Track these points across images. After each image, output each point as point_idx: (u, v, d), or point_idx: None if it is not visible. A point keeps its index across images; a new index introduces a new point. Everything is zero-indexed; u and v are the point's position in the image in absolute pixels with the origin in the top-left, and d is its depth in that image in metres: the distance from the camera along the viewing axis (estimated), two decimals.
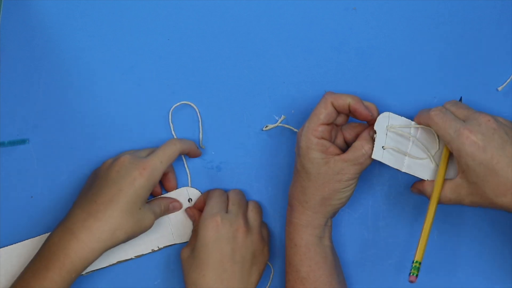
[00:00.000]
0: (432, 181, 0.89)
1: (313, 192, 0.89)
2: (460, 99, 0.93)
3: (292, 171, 0.96)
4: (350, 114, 0.91)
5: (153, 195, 0.96)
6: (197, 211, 0.95)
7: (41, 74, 0.96)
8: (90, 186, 0.91)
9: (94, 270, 0.95)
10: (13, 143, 0.95)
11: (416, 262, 0.86)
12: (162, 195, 0.96)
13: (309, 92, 0.96)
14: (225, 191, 0.95)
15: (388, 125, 0.90)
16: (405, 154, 0.90)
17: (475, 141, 0.84)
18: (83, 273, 0.94)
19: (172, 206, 0.95)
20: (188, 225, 0.96)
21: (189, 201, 0.96)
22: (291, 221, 0.91)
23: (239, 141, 0.97)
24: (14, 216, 0.95)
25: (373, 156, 0.89)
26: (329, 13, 0.96)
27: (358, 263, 0.97)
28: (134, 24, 0.96)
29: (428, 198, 0.89)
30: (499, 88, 0.96)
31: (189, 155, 0.96)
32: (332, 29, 0.96)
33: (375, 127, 0.90)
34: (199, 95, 0.96)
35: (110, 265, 0.95)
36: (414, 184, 0.92)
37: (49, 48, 0.96)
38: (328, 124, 0.89)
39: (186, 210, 0.95)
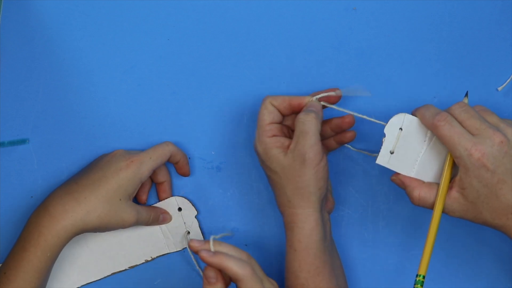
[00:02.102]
0: (430, 185, 0.87)
1: (289, 188, 0.89)
2: (466, 94, 0.89)
3: None
4: (294, 111, 0.91)
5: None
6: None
7: (41, 74, 0.96)
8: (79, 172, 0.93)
9: (90, 283, 0.95)
10: (13, 143, 0.95)
11: (420, 276, 0.85)
12: (152, 205, 0.96)
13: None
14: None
15: (402, 127, 0.87)
16: (416, 159, 0.87)
17: (485, 164, 0.82)
18: (76, 286, 0.95)
19: (163, 218, 0.95)
20: (180, 233, 0.96)
21: (179, 210, 0.96)
22: (288, 227, 0.90)
23: (239, 141, 0.97)
24: (14, 216, 0.95)
25: (378, 162, 0.87)
26: (329, 13, 0.96)
27: (358, 263, 0.97)
28: (134, 24, 0.96)
29: (407, 194, 0.87)
30: (499, 88, 0.96)
31: (178, 165, 0.95)
32: (332, 29, 0.96)
33: (385, 130, 0.87)
34: (199, 95, 0.96)
35: (105, 277, 0.95)
36: (400, 176, 0.88)
37: (49, 48, 0.96)
38: (275, 123, 0.90)
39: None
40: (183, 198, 0.96)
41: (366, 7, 0.96)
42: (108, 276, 0.96)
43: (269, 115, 0.90)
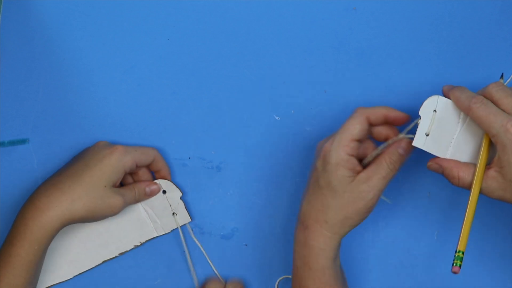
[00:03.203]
0: (468, 164, 0.85)
1: (336, 212, 0.87)
2: (502, 76, 0.89)
3: (292, 171, 0.96)
4: (385, 124, 0.89)
5: None
6: None
7: (41, 74, 0.96)
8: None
9: (82, 272, 0.95)
10: (13, 143, 0.95)
11: (459, 251, 0.83)
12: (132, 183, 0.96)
13: (309, 92, 0.96)
14: (223, 281, 0.96)
15: (436, 109, 0.86)
16: (450, 141, 0.87)
17: None
18: (69, 277, 0.95)
19: (150, 190, 0.95)
20: (166, 215, 0.96)
21: (163, 192, 0.96)
22: (307, 243, 0.88)
23: (239, 141, 0.97)
24: (14, 216, 0.95)
25: (414, 144, 0.86)
26: (329, 13, 0.96)
27: (358, 263, 0.97)
28: (134, 24, 0.96)
29: (446, 177, 0.86)
30: None
31: (159, 174, 0.95)
32: (332, 29, 0.96)
33: (420, 113, 0.86)
34: (199, 95, 0.96)
35: (97, 265, 0.95)
36: (436, 160, 0.87)
37: (49, 48, 0.96)
38: (359, 141, 0.87)
39: None
40: (166, 181, 0.96)
41: (366, 7, 0.96)
42: (99, 264, 0.95)
43: (359, 132, 0.86)
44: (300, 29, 0.96)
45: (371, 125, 0.88)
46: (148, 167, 0.95)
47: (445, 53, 0.96)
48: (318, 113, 0.96)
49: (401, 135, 0.88)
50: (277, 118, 0.97)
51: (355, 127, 0.86)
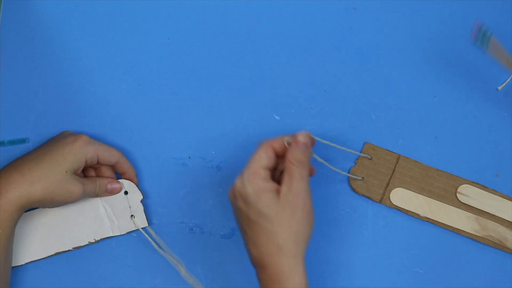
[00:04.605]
0: None
1: (281, 234, 0.84)
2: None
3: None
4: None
5: None
6: None
7: (41, 74, 0.96)
8: None
9: (34, 261, 0.95)
10: (13, 142, 0.95)
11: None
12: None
13: (309, 92, 0.96)
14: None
15: None
16: None
17: None
18: (20, 263, 0.94)
19: (111, 188, 0.95)
20: (124, 216, 0.95)
21: (125, 193, 0.96)
22: (273, 280, 0.85)
23: (239, 141, 0.97)
24: None
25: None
26: (329, 13, 0.96)
27: (358, 263, 0.97)
28: (134, 24, 0.96)
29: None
30: (499, 88, 0.96)
31: (125, 176, 0.95)
32: (332, 29, 0.96)
33: None
34: (199, 95, 0.97)
35: (49, 256, 0.95)
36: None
37: (49, 48, 0.96)
38: (269, 170, 0.87)
39: None
40: (130, 182, 0.96)
41: (366, 7, 0.96)
42: (52, 255, 0.95)
43: (267, 160, 0.86)
44: (300, 29, 0.96)
45: (277, 155, 0.88)
46: (114, 167, 0.95)
47: (445, 53, 0.96)
48: (318, 113, 0.96)
49: (298, 132, 0.87)
50: (277, 117, 0.97)
51: (261, 156, 0.86)
